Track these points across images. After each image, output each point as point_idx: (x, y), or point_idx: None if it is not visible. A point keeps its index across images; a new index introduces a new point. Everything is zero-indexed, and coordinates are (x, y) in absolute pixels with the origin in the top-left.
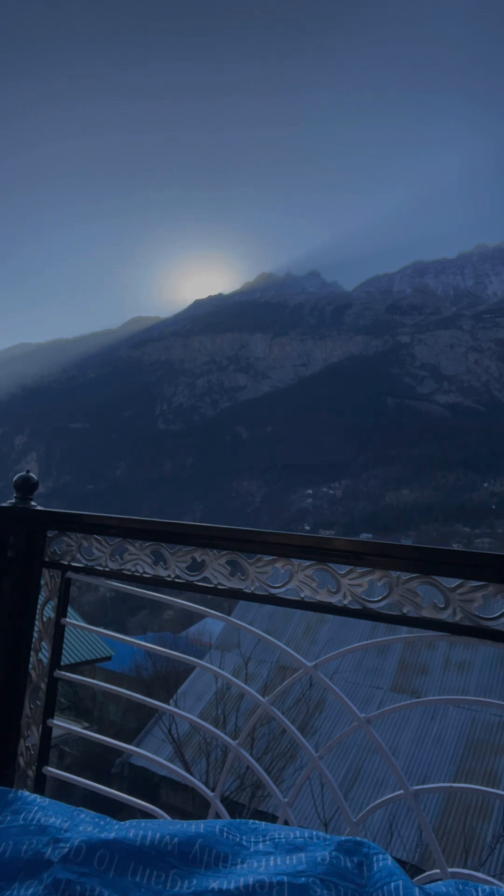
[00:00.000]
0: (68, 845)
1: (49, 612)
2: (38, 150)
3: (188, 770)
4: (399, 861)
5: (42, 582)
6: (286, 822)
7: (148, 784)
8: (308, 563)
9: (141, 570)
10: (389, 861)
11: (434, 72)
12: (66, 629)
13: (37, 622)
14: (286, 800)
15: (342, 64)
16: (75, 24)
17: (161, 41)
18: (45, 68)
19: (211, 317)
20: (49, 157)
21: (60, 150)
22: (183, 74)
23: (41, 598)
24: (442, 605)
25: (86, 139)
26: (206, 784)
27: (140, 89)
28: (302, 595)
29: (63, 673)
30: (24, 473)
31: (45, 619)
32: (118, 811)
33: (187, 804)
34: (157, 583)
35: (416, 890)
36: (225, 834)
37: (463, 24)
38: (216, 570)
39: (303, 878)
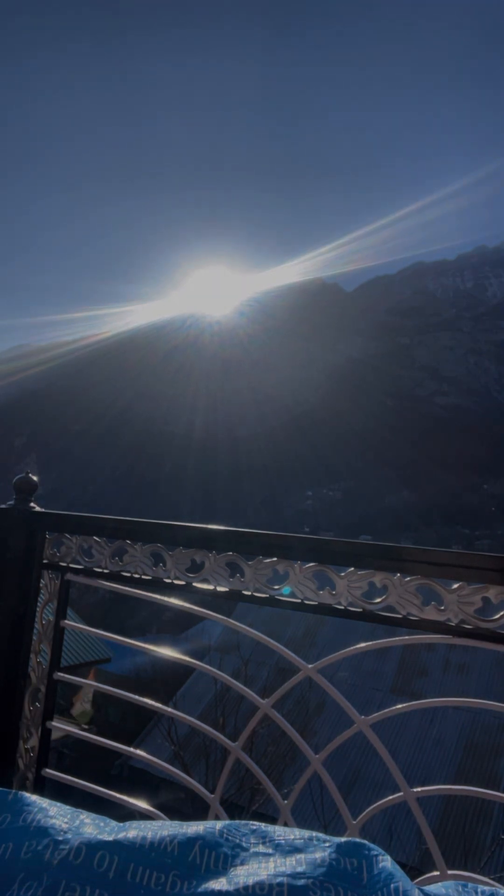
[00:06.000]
0: (68, 847)
1: (48, 614)
2: (40, 146)
3: (187, 772)
4: (399, 863)
5: (41, 584)
6: (286, 824)
7: (147, 786)
8: (308, 564)
9: (140, 572)
10: (389, 863)
11: (436, 74)
12: (66, 631)
13: (36, 624)
14: (286, 802)
15: (343, 62)
16: (72, 23)
17: (156, 44)
18: (44, 66)
19: (210, 318)
20: (51, 156)
21: (61, 151)
22: (182, 77)
23: (40, 600)
24: (442, 608)
25: (85, 139)
26: (206, 786)
27: (139, 88)
28: (302, 597)
29: (62, 675)
30: (23, 475)
31: (44, 622)
32: (118, 813)
33: (187, 806)
34: (156, 584)
35: (416, 891)
36: (224, 835)
37: (466, 27)
38: (216, 571)
39: (302, 880)
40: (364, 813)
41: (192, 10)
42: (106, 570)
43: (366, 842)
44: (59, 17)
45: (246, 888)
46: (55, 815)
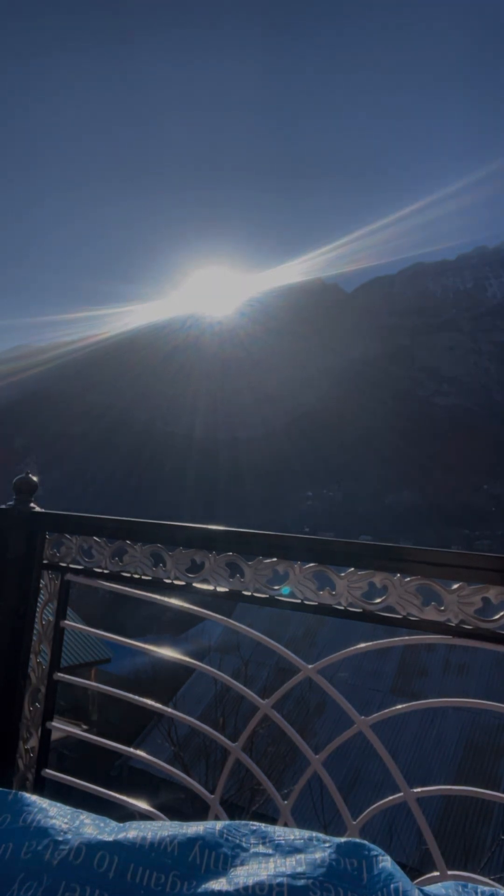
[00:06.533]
0: (68, 847)
1: (48, 614)
2: (41, 147)
3: (187, 772)
4: (399, 863)
5: (41, 584)
6: (286, 825)
7: (147, 786)
8: (308, 565)
9: (140, 573)
10: (389, 863)
11: (436, 75)
12: (66, 631)
13: (36, 624)
14: (286, 802)
15: (343, 63)
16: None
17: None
18: (45, 65)
19: (211, 319)
20: (51, 156)
21: (62, 151)
22: (183, 78)
23: (40, 601)
24: (442, 608)
25: (86, 140)
26: (206, 786)
27: (140, 89)
28: (301, 597)
29: (62, 675)
30: (23, 475)
31: (44, 622)
32: (118, 814)
33: (187, 807)
34: (156, 585)
35: (416, 892)
36: (224, 836)
37: (466, 28)
38: (216, 571)
39: (302, 881)
40: (364, 813)
41: (193, 11)
42: (106, 571)
43: (366, 842)
44: (60, 20)
45: (246, 888)
46: (55, 815)
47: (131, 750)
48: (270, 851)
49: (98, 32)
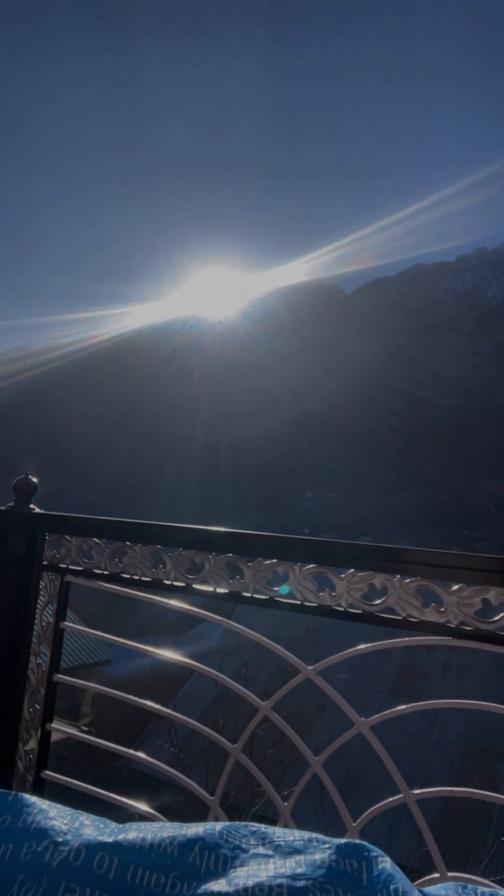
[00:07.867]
0: (68, 848)
1: (48, 615)
2: (42, 148)
3: (187, 774)
4: (399, 865)
5: (41, 585)
6: (286, 826)
7: (147, 788)
8: (308, 566)
9: (140, 574)
10: (389, 864)
11: (434, 76)
12: (65, 632)
13: (36, 626)
14: (286, 803)
15: (343, 65)
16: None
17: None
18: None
19: (212, 319)
20: (52, 158)
21: (63, 153)
22: (184, 79)
23: (40, 602)
24: (442, 609)
25: (88, 142)
26: (206, 788)
27: (140, 90)
28: (301, 598)
29: (62, 677)
30: (23, 476)
31: (43, 623)
32: (118, 815)
33: (186, 808)
34: (156, 586)
35: (416, 893)
36: (224, 837)
37: (466, 29)
38: (215, 573)
39: (302, 882)
40: (364, 815)
41: (195, 18)
42: (106, 572)
43: (365, 843)
44: (60, 25)
45: (245, 889)
46: (55, 816)
47: (131, 751)
48: (270, 853)
49: (101, 38)
